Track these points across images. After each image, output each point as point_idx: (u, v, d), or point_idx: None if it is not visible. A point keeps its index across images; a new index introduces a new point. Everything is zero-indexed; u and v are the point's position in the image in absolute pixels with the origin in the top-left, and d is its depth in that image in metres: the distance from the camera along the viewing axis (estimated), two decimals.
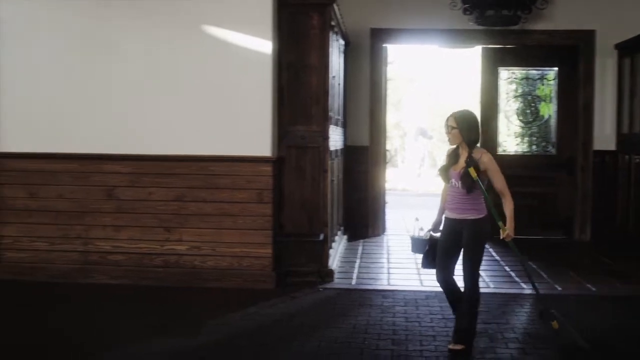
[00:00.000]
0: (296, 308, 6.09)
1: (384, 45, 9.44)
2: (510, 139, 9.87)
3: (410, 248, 5.30)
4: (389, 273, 7.46)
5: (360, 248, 8.77)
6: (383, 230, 9.83)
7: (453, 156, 4.95)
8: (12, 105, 6.83)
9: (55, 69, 6.82)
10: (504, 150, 9.76)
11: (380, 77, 9.44)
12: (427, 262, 5.15)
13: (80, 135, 6.80)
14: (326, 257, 6.95)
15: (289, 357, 4.83)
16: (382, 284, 7.01)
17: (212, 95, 6.71)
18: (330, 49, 6.95)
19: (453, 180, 4.87)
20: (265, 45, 6.60)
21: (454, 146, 4.93)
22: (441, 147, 30.26)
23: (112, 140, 6.77)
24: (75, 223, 6.83)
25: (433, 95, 30.14)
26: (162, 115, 6.74)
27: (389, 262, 8.00)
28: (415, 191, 19.76)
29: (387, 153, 10.16)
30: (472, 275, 4.84)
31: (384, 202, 9.89)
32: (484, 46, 9.59)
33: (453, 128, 4.84)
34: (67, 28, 6.83)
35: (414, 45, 11.84)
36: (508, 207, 4.81)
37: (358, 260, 8.01)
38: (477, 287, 4.89)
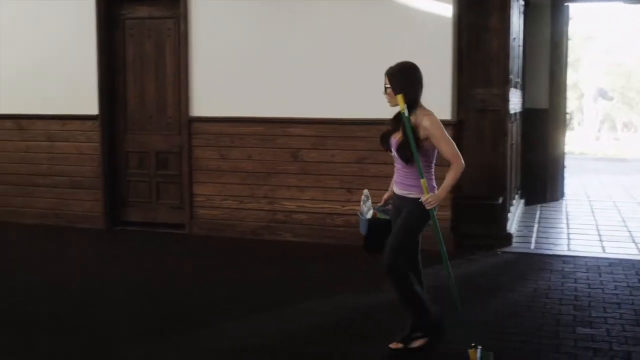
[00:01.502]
0: (475, 270, 6.15)
1: (565, 4, 9.11)
2: None
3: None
4: (568, 239, 7.32)
5: (537, 212, 8.64)
6: (561, 195, 9.60)
7: (395, 121, 4.09)
8: (205, 75, 7.29)
9: (246, 40, 7.18)
10: None
11: (562, 37, 9.15)
12: (371, 245, 4.25)
13: (267, 101, 7.15)
14: (505, 220, 6.94)
15: (471, 316, 4.91)
16: (562, 249, 6.89)
17: (392, 59, 6.80)
18: (511, 10, 6.84)
19: (393, 150, 4.09)
20: (445, 9, 6.60)
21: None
22: (621, 109, 28.76)
23: (296, 105, 7.08)
24: (263, 183, 7.23)
25: (613, 54, 28.63)
26: (344, 80, 6.92)
27: (568, 228, 7.84)
28: (593, 155, 18.95)
29: (567, 116, 9.86)
30: (394, 252, 4.03)
31: (563, 167, 9.64)
32: None
33: (387, 87, 4.06)
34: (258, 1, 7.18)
35: (598, 3, 11.27)
36: (451, 173, 3.95)
37: (536, 225, 7.90)
38: (396, 268, 4.03)
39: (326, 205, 7.05)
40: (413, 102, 3.99)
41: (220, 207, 7.37)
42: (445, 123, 6.50)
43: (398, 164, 4.09)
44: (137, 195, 7.77)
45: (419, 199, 3.95)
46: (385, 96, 4.08)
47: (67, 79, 7.70)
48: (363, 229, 4.24)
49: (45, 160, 7.87)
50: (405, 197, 4.07)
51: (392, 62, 6.62)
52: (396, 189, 4.14)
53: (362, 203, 4.23)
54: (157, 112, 7.61)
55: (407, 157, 3.94)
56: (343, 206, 6.99)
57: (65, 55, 7.71)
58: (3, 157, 8.08)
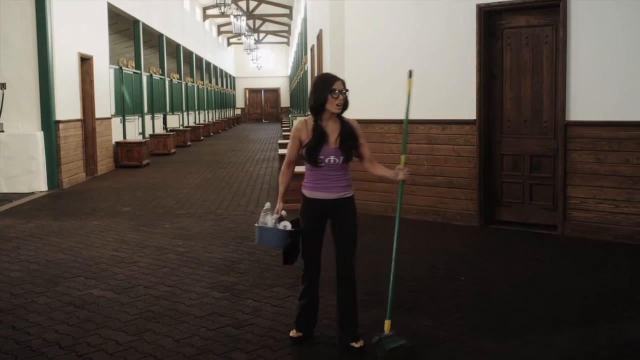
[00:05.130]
0: None
1: None
2: None
3: (256, 239, 4.49)
4: None
5: None
6: None
7: (318, 131, 4.25)
8: (585, 79, 7.41)
9: (628, 49, 7.20)
10: None
11: None
12: (291, 257, 4.37)
13: None
14: None
15: None
16: None
17: None
18: None
19: (331, 158, 4.23)
20: None
21: (306, 120, 4.34)
22: None
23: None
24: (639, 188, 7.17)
25: None
26: None
27: None
28: None
29: None
30: (354, 254, 4.32)
31: None
32: None
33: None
34: None
35: None
36: (381, 166, 4.40)
37: None
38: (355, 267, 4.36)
39: None
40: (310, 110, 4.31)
41: (595, 210, 7.44)
42: None
43: (332, 171, 4.26)
44: (511, 195, 8.17)
45: (352, 195, 4.34)
46: (340, 102, 4.23)
47: (447, 86, 8.39)
48: (276, 241, 4.34)
49: (426, 161, 8.65)
50: (343, 198, 4.29)
51: None
52: (325, 194, 4.27)
53: (263, 215, 4.35)
54: (532, 116, 7.92)
55: (351, 154, 4.27)
56: None
57: (445, 64, 8.41)
58: (388, 158, 9.02)
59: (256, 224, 4.43)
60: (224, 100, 47.72)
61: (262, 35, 52.05)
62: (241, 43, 48.90)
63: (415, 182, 8.67)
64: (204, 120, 35.00)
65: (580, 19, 7.40)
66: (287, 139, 18.93)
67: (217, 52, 44.80)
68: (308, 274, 4.39)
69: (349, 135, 4.26)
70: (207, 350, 4.35)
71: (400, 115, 8.88)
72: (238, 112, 55.61)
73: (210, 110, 38.89)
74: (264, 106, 57.72)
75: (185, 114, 29.02)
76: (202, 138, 28.11)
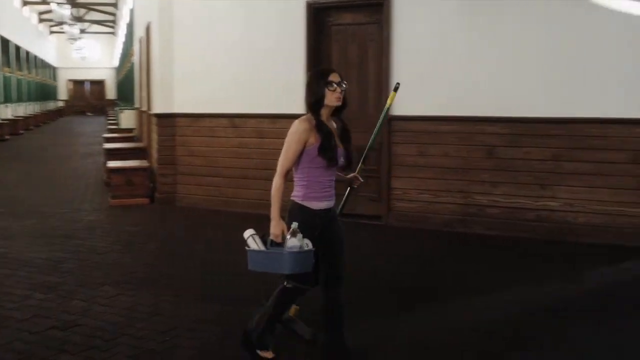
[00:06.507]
0: None
1: None
2: None
3: (287, 268, 3.68)
4: None
5: None
6: None
7: (325, 128, 3.79)
8: (408, 76, 7.71)
9: (448, 44, 7.62)
10: None
11: None
12: (314, 278, 3.93)
13: (464, 100, 7.56)
14: None
15: None
16: None
17: (585, 60, 6.99)
18: None
19: (341, 159, 3.86)
20: None
21: (307, 119, 3.80)
22: None
23: (491, 105, 7.40)
24: (457, 178, 7.64)
25: None
26: (538, 80, 7.20)
27: None
28: None
29: None
30: (344, 264, 4.00)
31: None
32: None
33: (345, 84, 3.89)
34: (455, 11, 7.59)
35: None
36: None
37: None
38: None
39: (518, 200, 7.32)
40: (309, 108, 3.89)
41: (417, 200, 7.85)
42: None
43: (331, 175, 3.86)
44: (339, 187, 8.37)
45: None
46: (339, 95, 3.79)
47: (278, 81, 8.52)
48: (303, 265, 3.66)
49: (255, 155, 8.73)
50: (332, 207, 3.93)
51: (590, 62, 6.88)
52: (327, 203, 3.85)
53: (290, 236, 3.60)
54: (359, 111, 8.19)
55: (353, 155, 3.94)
56: (536, 201, 7.23)
57: (277, 59, 8.53)
58: (218, 152, 9.05)
59: (288, 250, 3.60)
60: (45, 92, 45.34)
61: (86, 24, 49.98)
62: (64, 32, 46.67)
63: (246, 176, 8.73)
64: (24, 113, 33.12)
65: (403, 17, 7.76)
66: (115, 132, 18.40)
67: (37, 41, 42.50)
68: (305, 289, 3.94)
69: (349, 134, 3.93)
70: (30, 355, 4.13)
71: (231, 109, 9.10)
72: (61, 104, 53.05)
73: (30, 103, 36.84)
74: (88, 98, 55.47)
75: (2, 106, 27.32)
76: (22, 132, 26.61)
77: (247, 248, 3.76)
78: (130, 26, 22.38)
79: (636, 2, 6.73)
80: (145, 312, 4.93)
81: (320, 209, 3.81)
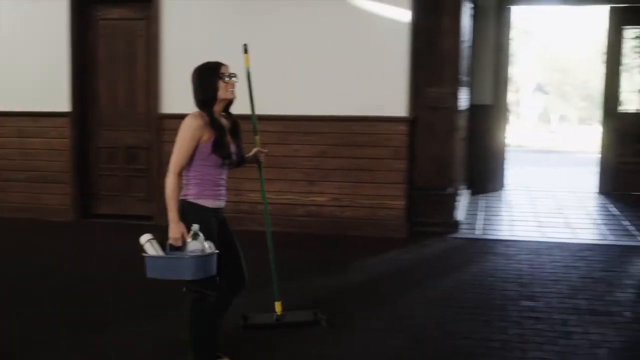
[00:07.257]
0: (427, 254, 6.77)
1: (508, 6, 9.80)
2: (635, 96, 10.04)
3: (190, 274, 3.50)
4: (511, 225, 7.98)
5: (482, 202, 9.32)
6: (501, 185, 10.31)
7: (218, 123, 3.71)
8: (177, 73, 7.65)
9: (214, 41, 7.57)
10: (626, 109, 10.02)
11: (505, 37, 9.84)
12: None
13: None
14: (454, 209, 7.56)
15: (426, 293, 5.50)
16: (505, 234, 7.53)
17: (353, 60, 7.34)
18: (462, 14, 7.45)
19: (234, 156, 3.80)
20: (402, 13, 7.16)
21: (200, 114, 3.69)
22: (556, 102, 29.88)
23: (262, 103, 7.52)
24: (229, 176, 7.64)
25: (549, 48, 29.51)
26: (306, 79, 7.45)
27: (510, 215, 8.53)
28: (530, 147, 19.85)
29: (508, 112, 10.55)
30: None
31: (504, 159, 10.34)
32: (612, 5, 9.74)
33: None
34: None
35: (538, 6, 11.95)
36: None
37: (481, 213, 8.57)
38: None
39: (289, 197, 7.54)
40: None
41: None
42: (400, 119, 7.19)
43: (224, 172, 3.79)
44: (108, 188, 8.19)
45: None
46: (232, 87, 3.79)
47: (39, 77, 8.04)
48: (207, 269, 3.51)
49: (16, 155, 8.19)
50: (223, 207, 3.86)
51: (357, 62, 7.27)
52: (221, 201, 3.79)
53: (191, 239, 3.44)
54: (128, 109, 8.00)
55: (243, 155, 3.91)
56: (305, 197, 7.50)
57: (37, 54, 8.05)
58: None
59: (189, 254, 3.40)
60: None
61: None
62: None
63: (7, 178, 8.16)
64: None
65: (171, 14, 7.66)
66: None
67: None
68: (210, 295, 3.65)
69: (239, 130, 3.84)
70: None
71: (43, 108, 8.41)
72: None
73: None
74: None
75: None
76: None
77: (144, 255, 3.52)
78: None
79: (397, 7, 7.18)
80: None
81: (216, 207, 3.71)
